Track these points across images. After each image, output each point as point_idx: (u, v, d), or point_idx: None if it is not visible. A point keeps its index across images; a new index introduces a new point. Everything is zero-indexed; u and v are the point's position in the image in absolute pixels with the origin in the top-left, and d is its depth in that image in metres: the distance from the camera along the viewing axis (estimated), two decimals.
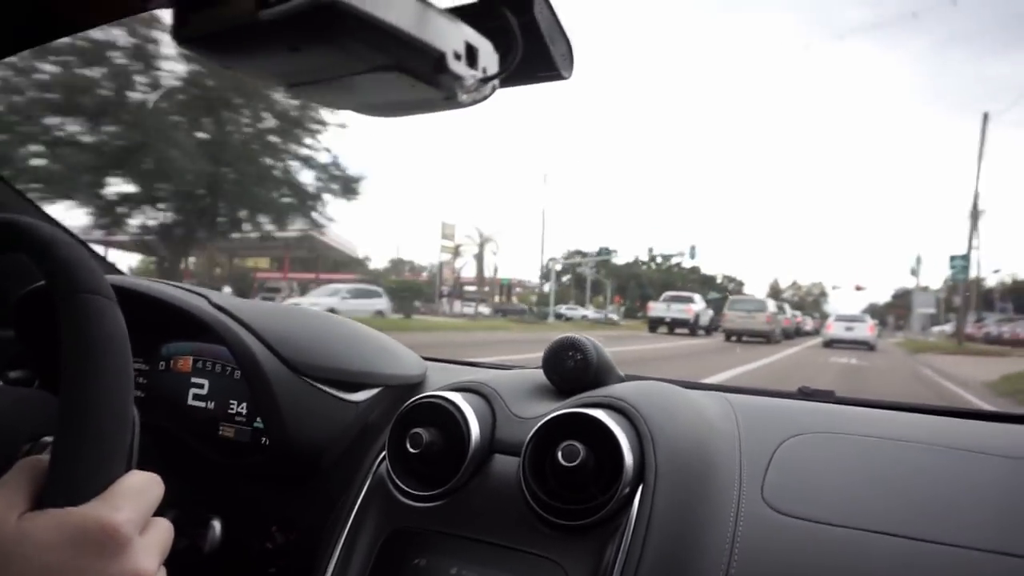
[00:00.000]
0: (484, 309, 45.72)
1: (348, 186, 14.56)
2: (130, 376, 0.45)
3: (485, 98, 0.45)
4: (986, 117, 22.15)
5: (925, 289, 39.13)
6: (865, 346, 21.67)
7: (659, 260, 65.65)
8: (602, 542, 0.62)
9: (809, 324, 41.32)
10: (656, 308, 27.79)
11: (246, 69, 0.40)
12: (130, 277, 0.95)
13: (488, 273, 49.72)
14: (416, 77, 0.40)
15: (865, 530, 0.63)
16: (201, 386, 0.89)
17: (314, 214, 14.31)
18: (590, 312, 43.10)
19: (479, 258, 48.61)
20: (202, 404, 0.89)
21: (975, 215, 22.82)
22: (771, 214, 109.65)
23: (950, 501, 0.66)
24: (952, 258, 25.04)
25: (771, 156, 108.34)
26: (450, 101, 0.43)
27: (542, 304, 44.65)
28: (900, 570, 0.59)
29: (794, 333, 29.96)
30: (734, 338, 22.69)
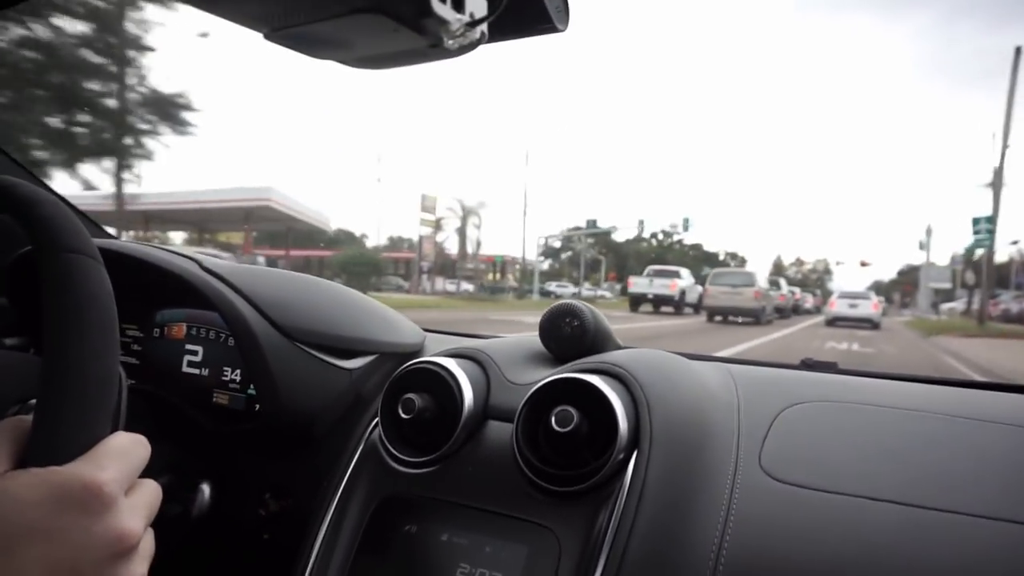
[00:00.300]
0: (470, 286, 43.61)
1: (173, 114, 10.44)
2: (115, 336, 0.43)
3: (474, 45, 0.43)
4: (1019, 52, 19.03)
5: (931, 265, 35.56)
6: (869, 324, 20.69)
7: (660, 236, 62.75)
8: (595, 508, 0.61)
9: (809, 302, 38.30)
10: (637, 284, 24.95)
11: (222, 11, 0.39)
12: (121, 241, 0.94)
13: (472, 248, 47.05)
14: (399, 20, 0.38)
15: (864, 497, 0.62)
16: (195, 353, 0.88)
17: (133, 153, 10.82)
18: (583, 289, 41.17)
19: (461, 232, 45.87)
20: (196, 371, 0.88)
21: (1002, 164, 19.67)
22: (775, 190, 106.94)
23: (953, 468, 0.65)
24: (975, 221, 22.03)
25: (774, 131, 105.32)
26: (437, 49, 0.42)
27: (530, 281, 42.36)
28: (899, 536, 0.59)
29: (791, 311, 27.08)
30: (718, 318, 20.06)
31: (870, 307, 21.70)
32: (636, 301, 24.46)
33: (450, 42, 0.40)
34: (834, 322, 21.36)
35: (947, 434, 0.70)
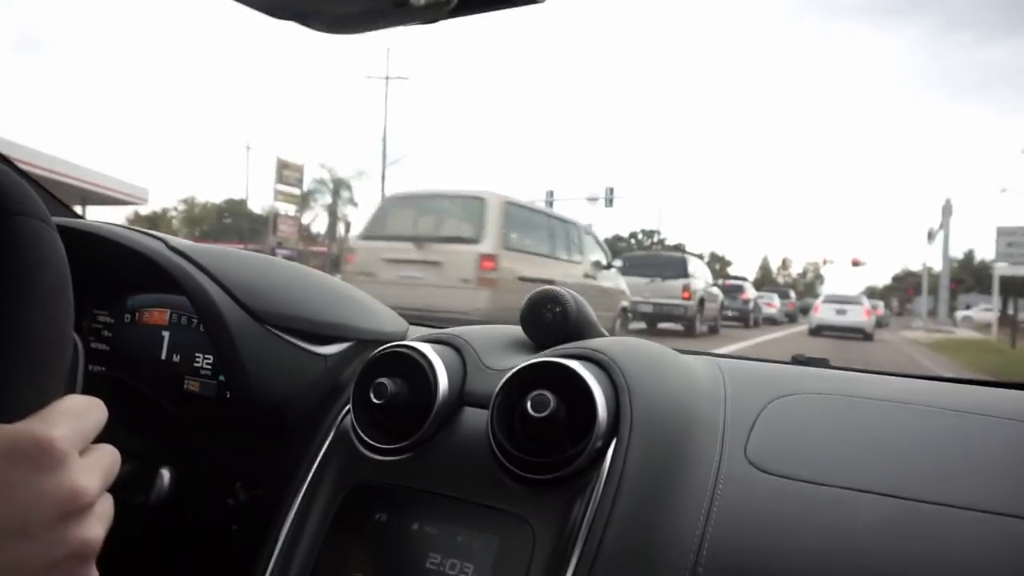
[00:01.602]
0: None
1: None
2: (68, 299, 0.43)
3: (442, 6, 0.41)
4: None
5: (1011, 259, 20.82)
6: (860, 335, 17.58)
7: (639, 236, 56.00)
8: (571, 498, 0.60)
9: (775, 305, 26.21)
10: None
11: None
12: (85, 220, 0.91)
13: (343, 231, 35.47)
14: None
15: (851, 488, 0.61)
16: (167, 339, 0.86)
17: None
18: None
19: (332, 211, 34.06)
20: (168, 357, 0.85)
21: None
22: (762, 191, 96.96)
23: (943, 461, 0.64)
24: None
25: (761, 129, 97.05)
26: (404, 9, 0.41)
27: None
28: (887, 528, 0.57)
29: (716, 321, 14.86)
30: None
31: (861, 314, 18.18)
32: None
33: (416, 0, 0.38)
34: (819, 331, 18.10)
35: (938, 426, 0.68)
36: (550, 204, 29.18)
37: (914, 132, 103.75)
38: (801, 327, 21.87)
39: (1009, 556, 0.54)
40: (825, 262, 52.60)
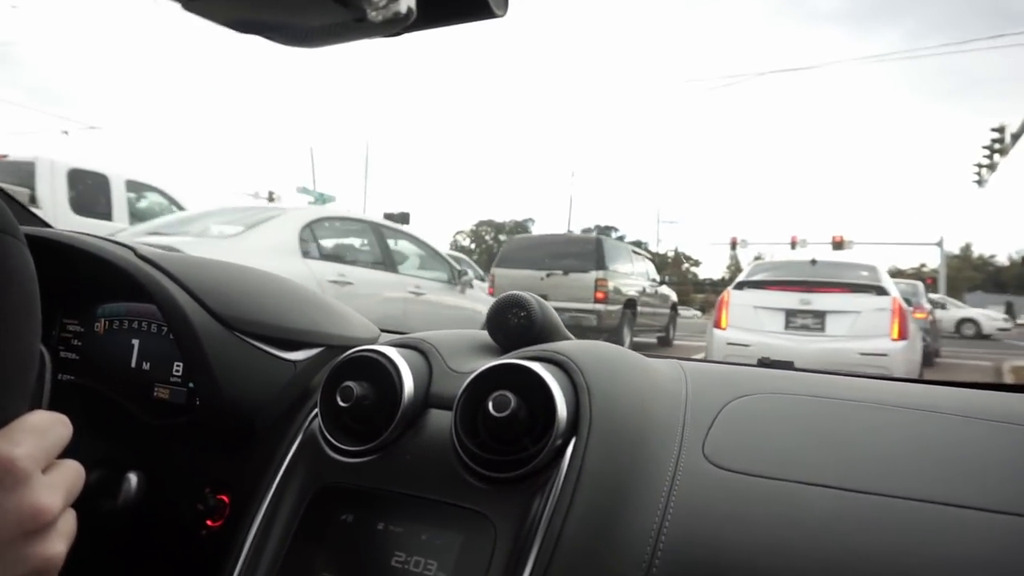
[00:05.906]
0: None
1: None
2: (35, 316, 0.43)
3: (401, 21, 0.43)
4: None
5: None
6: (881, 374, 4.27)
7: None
8: (531, 494, 0.62)
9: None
10: None
11: None
12: (54, 230, 0.92)
13: None
14: None
15: (803, 483, 0.63)
16: (137, 347, 0.87)
17: None
18: None
19: None
20: (138, 365, 0.86)
21: None
22: (730, 187, 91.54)
23: (894, 455, 0.66)
24: None
25: (735, 129, 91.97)
26: (363, 23, 0.42)
27: None
28: (834, 519, 0.60)
29: None
30: None
31: (880, 320, 5.25)
32: None
33: (373, 14, 0.40)
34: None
35: (891, 422, 0.71)
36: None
37: (891, 128, 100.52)
38: None
39: (954, 544, 0.56)
40: (795, 244, 39.77)
